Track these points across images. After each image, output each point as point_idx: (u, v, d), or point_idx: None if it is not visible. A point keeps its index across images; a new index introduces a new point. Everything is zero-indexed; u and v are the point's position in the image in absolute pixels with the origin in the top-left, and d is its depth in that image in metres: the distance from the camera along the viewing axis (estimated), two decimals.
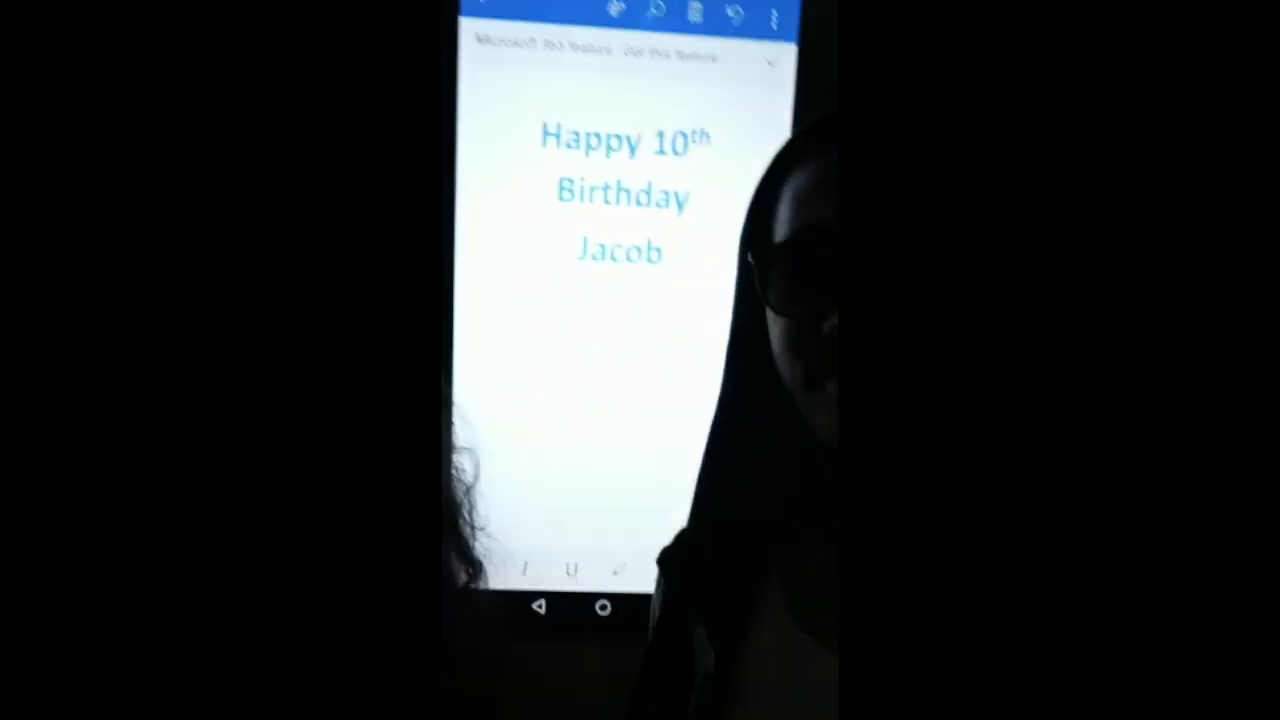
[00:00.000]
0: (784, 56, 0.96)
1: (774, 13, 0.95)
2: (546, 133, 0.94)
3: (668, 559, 0.58)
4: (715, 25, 0.95)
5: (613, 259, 0.97)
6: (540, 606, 1.01)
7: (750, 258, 0.49)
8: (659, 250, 0.97)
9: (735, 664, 0.51)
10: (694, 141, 0.96)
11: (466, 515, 0.61)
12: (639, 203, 0.96)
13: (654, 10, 0.94)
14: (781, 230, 0.47)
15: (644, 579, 1.06)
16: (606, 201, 0.96)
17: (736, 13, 0.95)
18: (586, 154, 0.95)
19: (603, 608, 1.02)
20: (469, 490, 0.62)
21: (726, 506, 0.56)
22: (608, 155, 0.96)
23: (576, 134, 0.95)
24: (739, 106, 0.96)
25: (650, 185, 0.97)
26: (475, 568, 0.61)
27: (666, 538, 1.00)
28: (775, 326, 0.47)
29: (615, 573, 1.01)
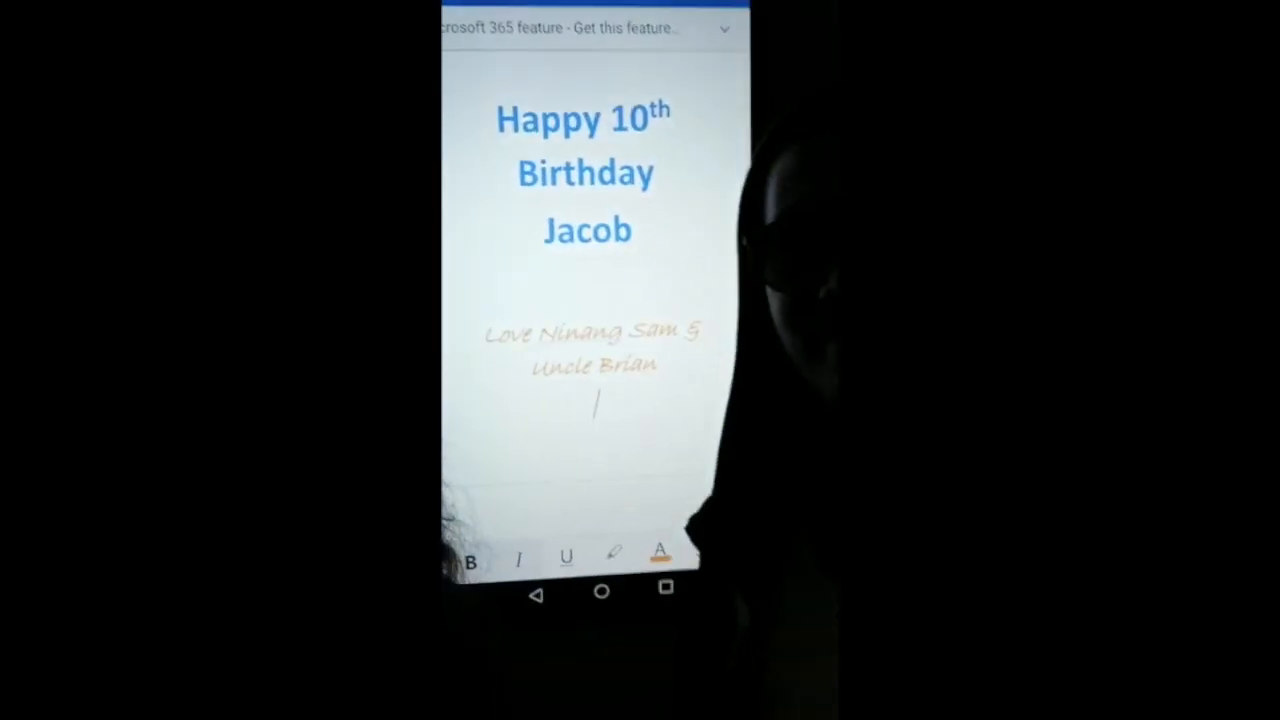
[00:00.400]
0: (737, 21, 0.95)
1: None
2: (503, 117, 0.93)
3: (697, 527, 0.60)
4: None
5: (581, 239, 0.96)
6: (538, 596, 1.01)
7: (745, 242, 0.53)
8: (627, 227, 0.96)
9: (771, 620, 0.54)
10: (654, 114, 0.95)
11: None
12: (603, 180, 0.95)
13: None
14: (771, 212, 0.50)
15: (639, 560, 1.06)
16: (570, 182, 0.95)
17: None
18: (546, 136, 0.94)
19: (601, 591, 1.02)
20: None
21: (749, 472, 0.58)
22: (567, 135, 0.94)
23: (534, 116, 0.93)
24: (696, 75, 0.95)
25: (613, 162, 0.95)
26: (445, 556, 0.61)
27: (658, 517, 1.00)
28: (774, 302, 0.50)
29: (610, 555, 1.01)
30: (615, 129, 0.95)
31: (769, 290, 0.50)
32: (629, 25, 0.94)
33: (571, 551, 1.00)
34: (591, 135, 0.94)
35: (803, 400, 0.52)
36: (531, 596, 1.00)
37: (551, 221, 0.95)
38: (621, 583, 1.02)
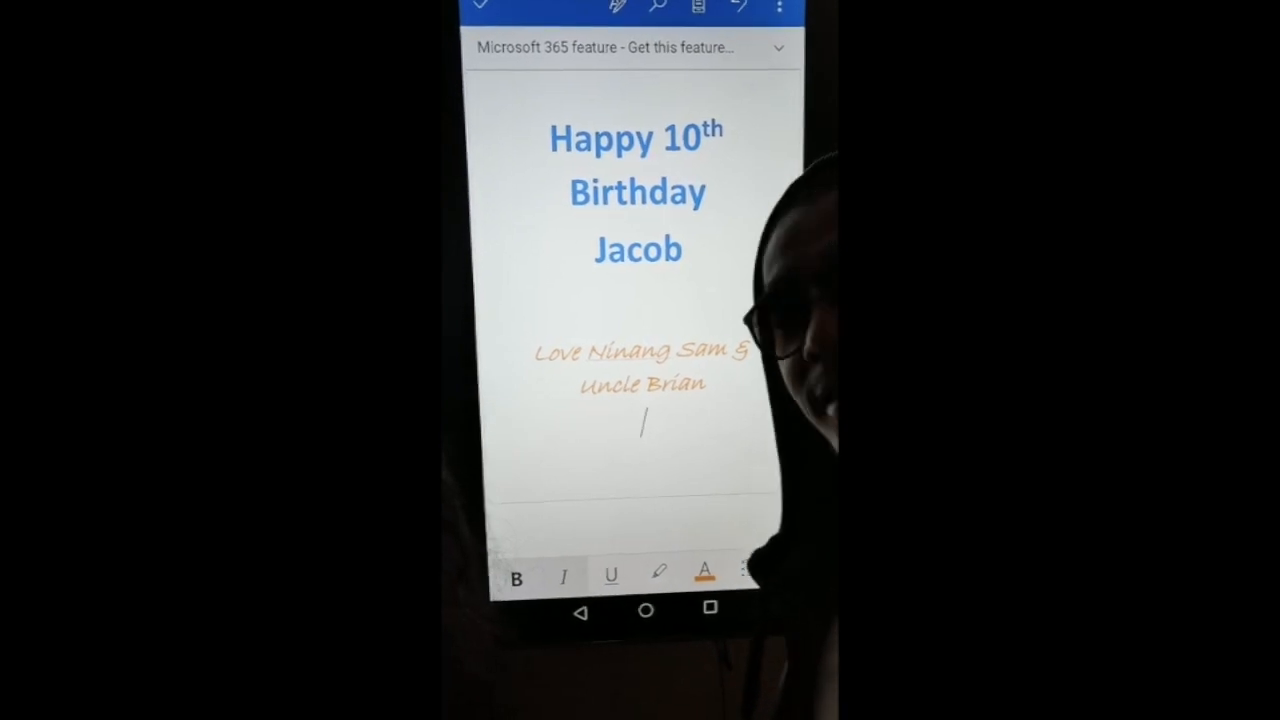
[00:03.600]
0: (792, 40, 0.94)
1: None
2: (556, 136, 0.93)
3: (759, 564, 0.61)
4: (719, 15, 0.93)
5: (632, 258, 0.96)
6: (583, 614, 1.01)
7: (747, 318, 0.56)
8: (678, 246, 0.96)
9: (819, 664, 0.54)
10: (706, 134, 0.95)
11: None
12: (655, 200, 0.95)
13: (656, 4, 0.92)
14: (766, 284, 0.53)
15: (684, 579, 1.05)
16: (621, 201, 0.95)
17: None
18: (598, 155, 0.94)
19: (645, 610, 1.01)
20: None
21: (811, 512, 0.59)
22: (620, 155, 0.95)
23: (586, 135, 0.94)
24: (750, 95, 0.95)
25: (665, 181, 0.95)
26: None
27: (703, 536, 0.99)
28: (781, 367, 0.53)
29: (655, 574, 1.01)
30: (668, 148, 0.95)
31: (778, 360, 0.53)
32: (683, 45, 0.94)
33: (616, 570, 1.00)
34: (644, 155, 0.95)
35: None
36: (576, 614, 1.00)
37: (603, 240, 0.95)
38: (666, 602, 1.01)
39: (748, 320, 0.55)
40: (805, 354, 0.48)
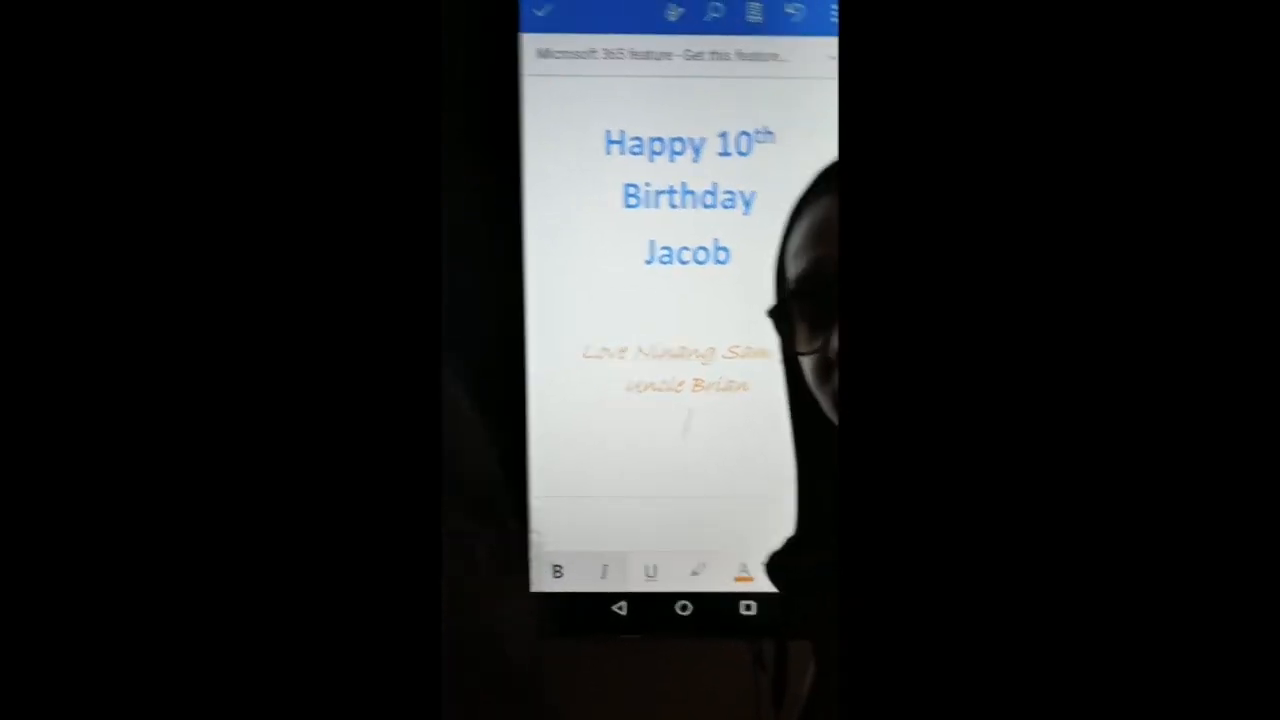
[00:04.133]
0: None
1: (835, 8, 0.94)
2: (610, 141, 0.95)
3: (776, 566, 0.61)
4: (776, 24, 0.95)
5: (680, 261, 0.97)
6: (621, 609, 1.02)
7: (769, 312, 0.53)
8: (726, 250, 0.97)
9: (836, 671, 0.54)
10: (758, 141, 0.96)
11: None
12: (705, 204, 0.97)
13: (713, 13, 0.94)
14: (790, 280, 0.51)
15: (723, 579, 1.06)
16: (673, 205, 0.97)
17: (797, 9, 0.94)
18: (651, 159, 0.96)
19: (683, 608, 1.02)
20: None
21: (825, 513, 0.59)
22: (672, 159, 0.96)
23: (640, 140, 0.96)
24: (802, 103, 0.96)
25: (716, 187, 0.97)
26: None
27: (743, 538, 1.00)
28: (804, 365, 0.51)
29: (694, 573, 1.02)
30: (720, 154, 0.96)
31: (799, 356, 0.52)
32: (738, 53, 0.95)
33: (656, 567, 1.02)
34: (696, 160, 0.96)
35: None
36: (615, 609, 1.02)
37: (652, 243, 0.97)
38: (704, 600, 1.02)
39: (772, 313, 0.55)
40: (833, 353, 0.48)
